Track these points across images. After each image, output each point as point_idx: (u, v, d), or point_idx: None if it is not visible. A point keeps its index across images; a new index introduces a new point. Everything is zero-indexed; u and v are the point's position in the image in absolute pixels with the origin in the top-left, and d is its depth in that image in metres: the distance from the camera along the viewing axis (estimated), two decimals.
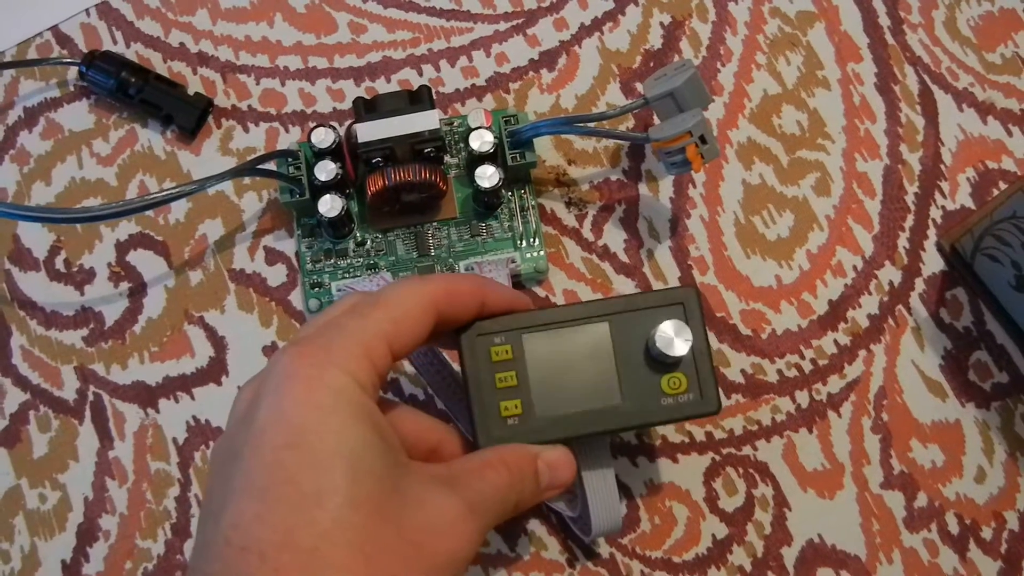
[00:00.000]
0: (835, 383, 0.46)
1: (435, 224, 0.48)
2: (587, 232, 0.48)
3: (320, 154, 0.46)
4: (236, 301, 0.47)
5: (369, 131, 0.44)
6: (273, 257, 0.48)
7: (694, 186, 0.49)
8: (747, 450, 0.45)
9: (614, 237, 0.48)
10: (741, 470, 0.45)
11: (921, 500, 0.45)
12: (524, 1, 0.52)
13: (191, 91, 0.50)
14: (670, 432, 0.46)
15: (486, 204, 0.47)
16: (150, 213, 0.49)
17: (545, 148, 0.49)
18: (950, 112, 0.50)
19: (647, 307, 0.38)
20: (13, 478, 0.45)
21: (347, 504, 0.28)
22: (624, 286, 0.47)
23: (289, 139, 0.50)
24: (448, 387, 0.42)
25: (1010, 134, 0.50)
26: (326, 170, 0.45)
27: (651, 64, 0.51)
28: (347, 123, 0.46)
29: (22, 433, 0.46)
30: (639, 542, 0.44)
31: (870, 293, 0.47)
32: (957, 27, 0.51)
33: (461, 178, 0.48)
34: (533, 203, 0.48)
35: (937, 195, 0.49)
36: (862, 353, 0.47)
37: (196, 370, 0.47)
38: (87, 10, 0.52)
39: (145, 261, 0.48)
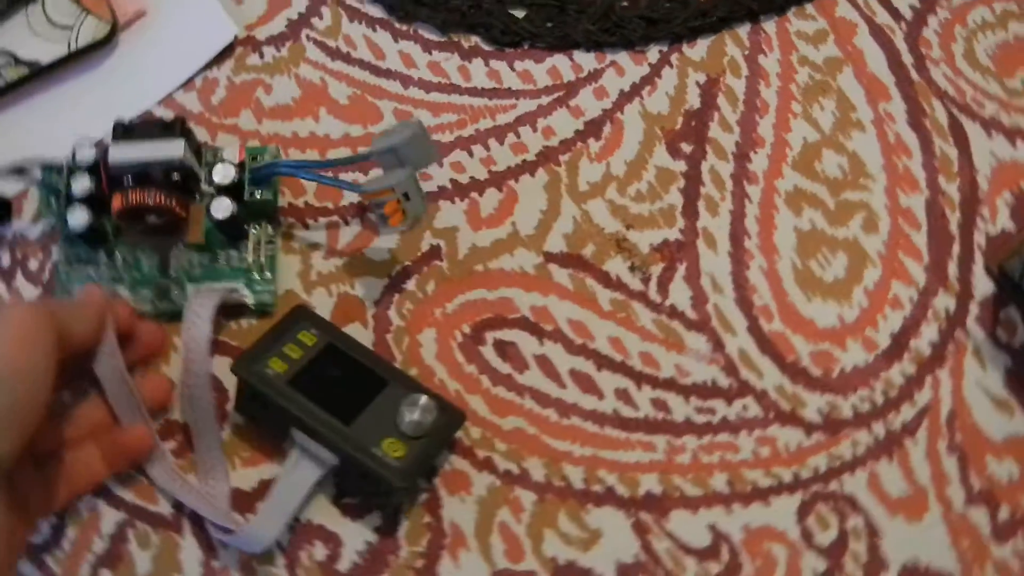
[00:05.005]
0: (907, 411, 0.51)
1: (181, 247, 0.52)
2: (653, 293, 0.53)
3: (81, 169, 0.51)
4: None
5: (118, 153, 0.50)
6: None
7: (749, 238, 0.53)
8: (834, 485, 0.50)
9: (681, 294, 0.53)
10: (831, 504, 0.50)
11: (1004, 513, 0.49)
12: (563, 73, 0.56)
13: None
14: (759, 477, 0.50)
15: (228, 234, 0.52)
16: None
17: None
18: (980, 140, 0.55)
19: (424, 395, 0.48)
20: None
21: None
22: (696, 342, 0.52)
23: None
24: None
25: None
26: (81, 184, 0.51)
27: (692, 123, 0.55)
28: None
29: None
30: None
31: (928, 321, 0.52)
32: (976, 58, 0.57)
33: None
34: (274, 239, 0.53)
35: (979, 220, 0.54)
36: (928, 379, 0.51)
37: None
38: None
39: None
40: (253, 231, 0.53)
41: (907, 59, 0.57)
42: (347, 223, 0.54)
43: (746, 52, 0.57)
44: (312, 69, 0.57)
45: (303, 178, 0.53)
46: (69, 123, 0.55)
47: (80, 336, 0.45)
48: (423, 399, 0.47)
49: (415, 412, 0.47)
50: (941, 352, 0.52)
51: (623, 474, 0.49)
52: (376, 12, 0.58)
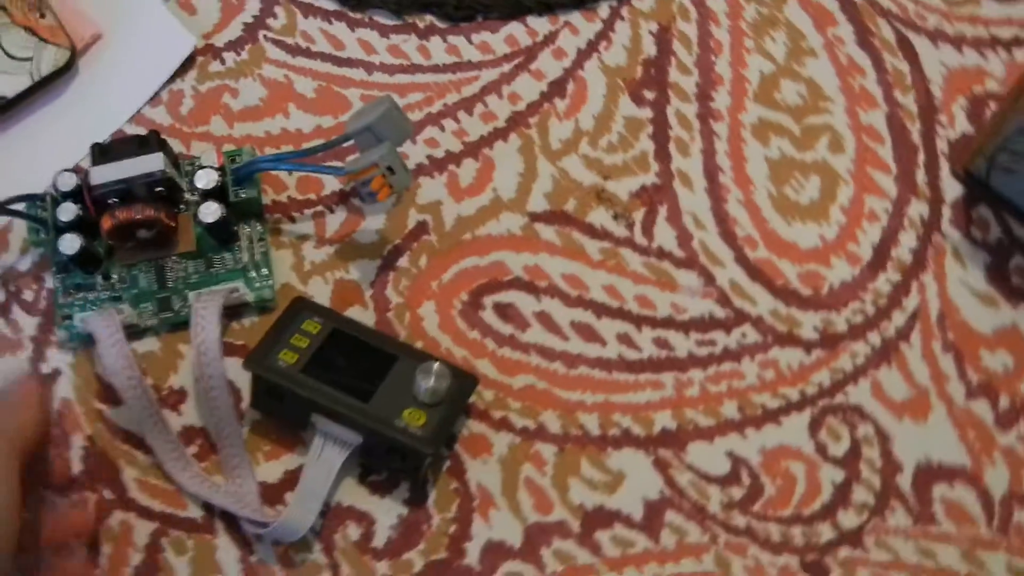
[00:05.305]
0: (899, 318, 0.53)
1: (174, 257, 0.53)
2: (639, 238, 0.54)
3: (65, 196, 0.52)
4: None
5: (100, 174, 0.51)
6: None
7: (723, 172, 0.55)
8: (840, 398, 0.52)
9: (665, 235, 0.54)
10: (840, 416, 0.51)
11: (1004, 402, 0.51)
12: (519, 40, 0.58)
13: None
14: (767, 400, 0.51)
15: (219, 238, 0.53)
16: None
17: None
18: (928, 51, 0.58)
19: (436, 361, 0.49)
20: None
21: None
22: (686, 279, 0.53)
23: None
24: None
25: (985, 58, 0.57)
26: (67, 211, 0.51)
27: (652, 71, 0.57)
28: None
29: None
30: (769, 506, 0.50)
31: (905, 230, 0.54)
32: None
33: None
34: (264, 235, 0.54)
35: (938, 128, 0.56)
36: (914, 285, 0.53)
37: None
38: None
39: None
40: (244, 231, 0.53)
41: None
42: (332, 211, 0.55)
43: None
44: (275, 68, 0.58)
45: (285, 169, 0.54)
46: (43, 153, 0.55)
47: (33, 423, 0.46)
48: (436, 365, 0.48)
49: (430, 379, 0.48)
50: (922, 257, 0.54)
51: (637, 415, 0.51)
52: (329, 5, 0.59)
